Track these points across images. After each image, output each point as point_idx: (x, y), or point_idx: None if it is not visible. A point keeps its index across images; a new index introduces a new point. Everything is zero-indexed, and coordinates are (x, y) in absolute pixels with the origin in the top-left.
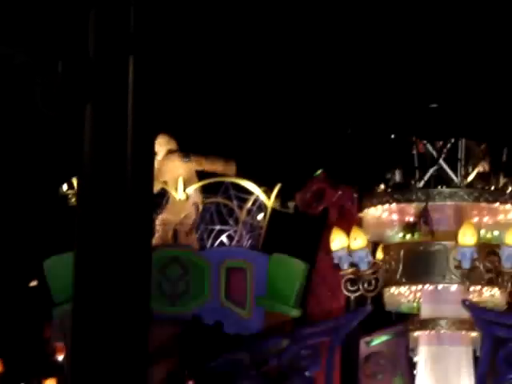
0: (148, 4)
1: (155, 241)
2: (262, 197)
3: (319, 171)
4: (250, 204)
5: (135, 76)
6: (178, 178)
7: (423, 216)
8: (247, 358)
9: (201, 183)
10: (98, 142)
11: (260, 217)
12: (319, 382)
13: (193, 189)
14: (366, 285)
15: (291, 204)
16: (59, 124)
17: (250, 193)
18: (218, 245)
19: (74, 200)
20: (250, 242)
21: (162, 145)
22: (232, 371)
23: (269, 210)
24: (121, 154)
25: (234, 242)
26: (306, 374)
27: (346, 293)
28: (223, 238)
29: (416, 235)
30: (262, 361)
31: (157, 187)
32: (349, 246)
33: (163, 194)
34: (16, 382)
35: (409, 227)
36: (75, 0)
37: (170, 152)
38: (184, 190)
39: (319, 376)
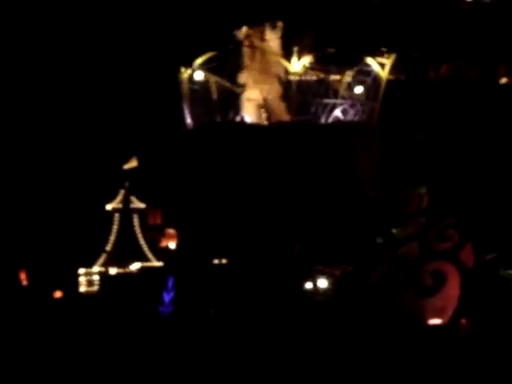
0: None
1: None
2: (376, 67)
3: None
4: (349, 77)
5: None
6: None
7: None
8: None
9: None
10: None
11: (359, 90)
12: None
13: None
14: None
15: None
16: None
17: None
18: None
19: None
20: (358, 115)
21: None
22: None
23: (383, 81)
24: None
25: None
26: None
27: None
28: (337, 112)
29: None
30: None
31: None
32: None
33: None
34: None
35: None
36: None
37: None
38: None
39: None
